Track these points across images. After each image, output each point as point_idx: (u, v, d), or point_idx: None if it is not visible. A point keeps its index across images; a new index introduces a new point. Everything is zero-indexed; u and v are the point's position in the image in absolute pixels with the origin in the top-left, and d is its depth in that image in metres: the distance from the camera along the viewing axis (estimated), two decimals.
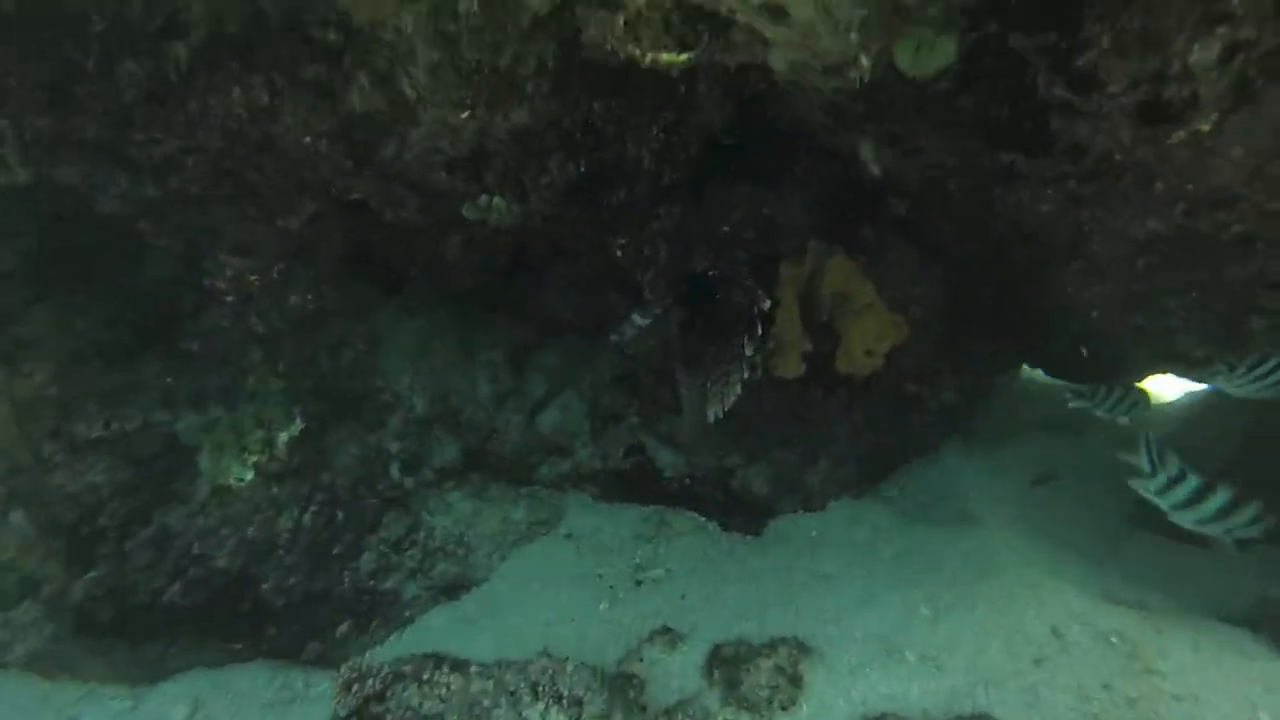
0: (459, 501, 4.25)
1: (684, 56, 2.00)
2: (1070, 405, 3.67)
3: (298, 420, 3.82)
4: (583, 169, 2.76)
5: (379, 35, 2.35)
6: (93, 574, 3.31)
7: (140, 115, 2.63)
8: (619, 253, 2.84)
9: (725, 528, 4.13)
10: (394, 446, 4.12)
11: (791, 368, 3.15)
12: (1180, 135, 2.33)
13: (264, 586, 3.77)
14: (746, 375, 2.81)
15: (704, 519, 4.18)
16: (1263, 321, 2.96)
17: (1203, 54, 2.12)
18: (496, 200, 2.97)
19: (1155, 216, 2.70)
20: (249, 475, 3.73)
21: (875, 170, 3.12)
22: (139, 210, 3.06)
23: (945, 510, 4.07)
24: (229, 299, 3.58)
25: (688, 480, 4.14)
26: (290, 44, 2.57)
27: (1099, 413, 3.55)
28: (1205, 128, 2.28)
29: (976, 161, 2.85)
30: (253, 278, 3.50)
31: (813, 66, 1.89)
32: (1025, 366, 4.75)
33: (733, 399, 2.83)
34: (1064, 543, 3.67)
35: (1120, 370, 3.75)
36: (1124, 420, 3.54)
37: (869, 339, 3.17)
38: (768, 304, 2.75)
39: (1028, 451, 4.96)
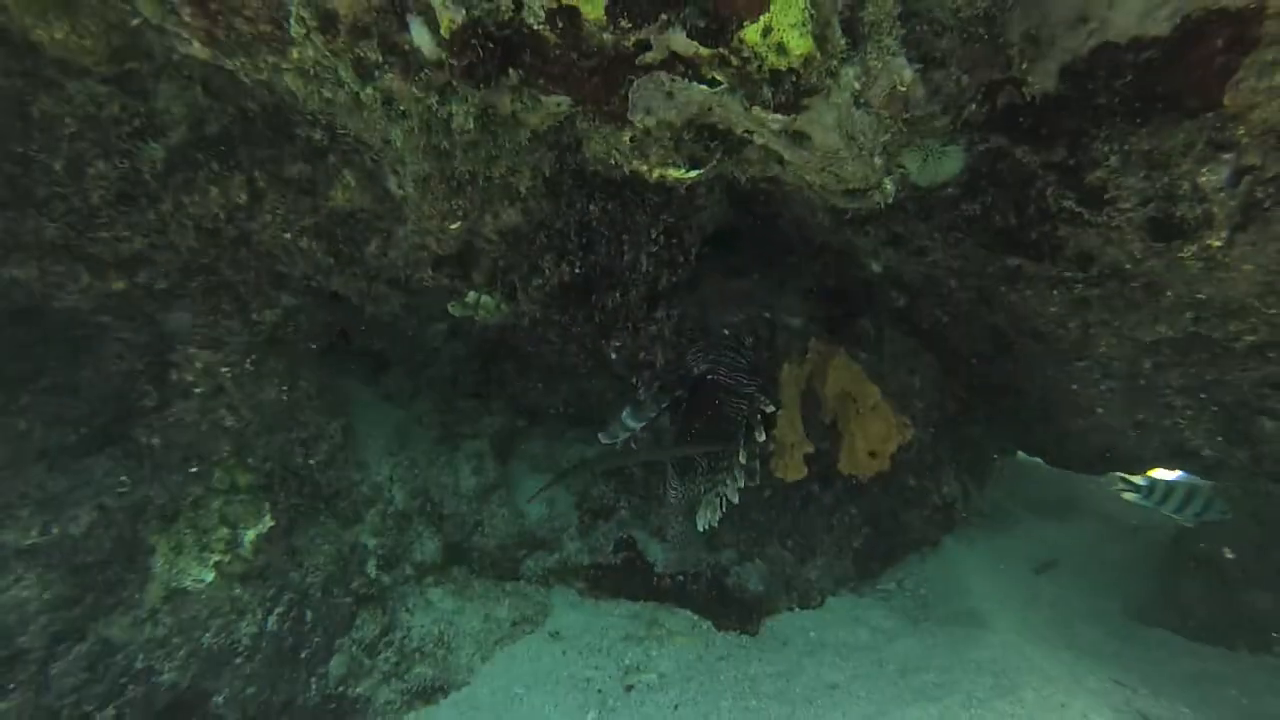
0: (440, 599, 3.99)
1: (694, 173, 1.91)
2: (1125, 496, 3.50)
3: (267, 517, 3.58)
4: (577, 270, 2.64)
5: (365, 140, 2.24)
6: (0, 706, 2.91)
7: (107, 214, 2.47)
8: (614, 355, 2.72)
9: (719, 627, 3.91)
10: (371, 542, 3.87)
11: (793, 471, 3.01)
12: (1191, 250, 2.29)
13: (217, 700, 3.45)
14: (742, 484, 2.66)
15: (697, 617, 3.95)
16: (1273, 424, 2.91)
17: (1211, 176, 2.10)
18: (485, 298, 2.84)
19: (1164, 323, 2.66)
20: (209, 576, 3.45)
21: (876, 267, 3.06)
22: (100, 305, 2.88)
23: (949, 606, 3.89)
24: (197, 391, 3.38)
25: (680, 577, 3.94)
26: (274, 143, 2.46)
27: (1165, 511, 3.38)
28: (1216, 243, 2.25)
29: (981, 263, 2.80)
30: (224, 370, 3.31)
31: (833, 189, 1.80)
32: (1021, 453, 4.66)
33: (723, 511, 2.67)
34: (1079, 646, 3.49)
35: (1125, 463, 3.66)
36: (1189, 524, 3.36)
37: (874, 440, 3.05)
38: (771, 409, 2.62)
39: (1024, 536, 4.84)
